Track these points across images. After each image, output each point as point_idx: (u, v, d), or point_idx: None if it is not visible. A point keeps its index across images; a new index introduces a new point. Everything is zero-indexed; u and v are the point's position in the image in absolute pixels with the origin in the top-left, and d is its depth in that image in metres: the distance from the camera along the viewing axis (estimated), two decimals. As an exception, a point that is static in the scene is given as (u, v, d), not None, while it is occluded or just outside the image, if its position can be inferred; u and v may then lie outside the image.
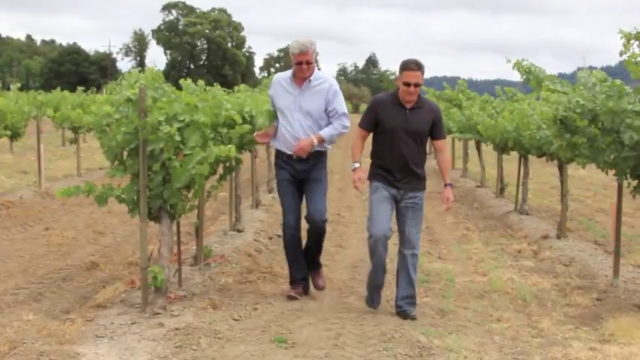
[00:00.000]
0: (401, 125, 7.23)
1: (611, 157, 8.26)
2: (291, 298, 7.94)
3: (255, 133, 8.24)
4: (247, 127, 8.20)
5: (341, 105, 7.91)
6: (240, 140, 8.31)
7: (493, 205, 16.42)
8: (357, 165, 7.45)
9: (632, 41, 7.81)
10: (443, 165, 7.61)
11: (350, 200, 17.00)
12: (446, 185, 7.47)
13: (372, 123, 7.41)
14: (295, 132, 7.80)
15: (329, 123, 7.88)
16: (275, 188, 10.99)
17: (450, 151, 25.38)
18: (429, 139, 7.67)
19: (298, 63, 7.66)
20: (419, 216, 7.51)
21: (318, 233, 8.04)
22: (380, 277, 7.63)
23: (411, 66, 7.17)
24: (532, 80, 9.86)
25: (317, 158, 7.91)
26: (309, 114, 7.79)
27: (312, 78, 7.80)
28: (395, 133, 7.24)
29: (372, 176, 7.43)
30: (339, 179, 20.43)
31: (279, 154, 8.03)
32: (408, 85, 7.14)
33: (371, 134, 7.62)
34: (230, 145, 7.22)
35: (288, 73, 7.99)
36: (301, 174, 7.89)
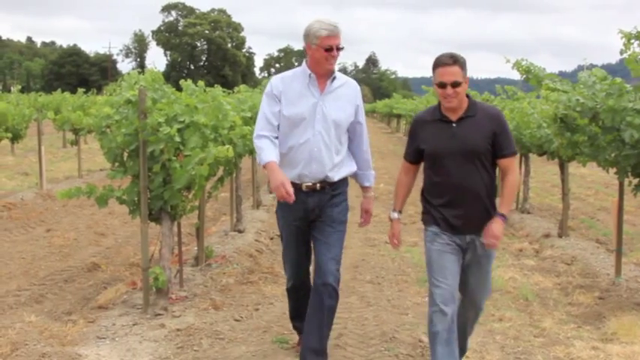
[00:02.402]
0: (447, 145, 5.22)
1: (612, 155, 8.26)
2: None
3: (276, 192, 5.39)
4: (247, 128, 8.20)
5: (365, 124, 5.95)
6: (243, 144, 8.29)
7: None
8: (395, 215, 5.62)
9: (632, 41, 7.82)
10: (506, 189, 5.34)
11: (350, 200, 16.95)
12: (497, 215, 5.25)
13: (417, 151, 5.44)
14: (314, 151, 5.56)
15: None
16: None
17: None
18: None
19: (328, 49, 5.46)
20: (488, 269, 5.52)
21: (327, 306, 5.67)
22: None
23: (443, 60, 5.17)
24: (532, 79, 9.85)
25: (337, 187, 5.75)
26: (336, 126, 5.63)
27: (335, 76, 5.69)
28: (443, 158, 5.25)
29: (426, 219, 5.47)
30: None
31: None
32: (443, 86, 5.16)
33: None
34: (227, 146, 7.21)
35: (299, 70, 5.71)
36: (313, 213, 5.68)
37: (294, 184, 5.42)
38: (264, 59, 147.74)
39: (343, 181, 5.79)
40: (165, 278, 7.16)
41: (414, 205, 14.18)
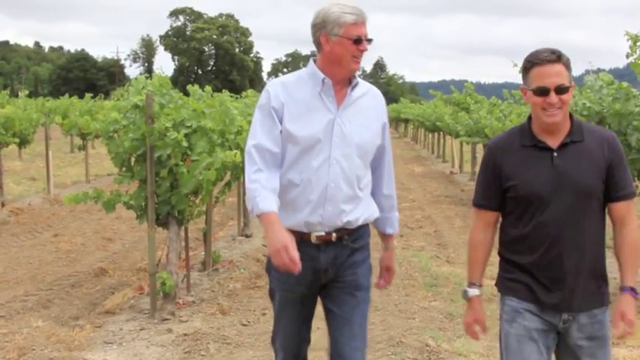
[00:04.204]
0: (547, 183, 3.64)
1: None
2: None
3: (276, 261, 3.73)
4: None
5: (390, 149, 4.29)
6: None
7: (501, 209, 16.37)
8: (474, 292, 3.95)
9: (638, 43, 7.81)
10: (627, 248, 3.74)
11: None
12: (623, 289, 3.72)
13: (498, 194, 3.77)
14: (331, 187, 3.88)
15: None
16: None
17: (459, 156, 25.37)
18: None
19: (356, 41, 3.83)
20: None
21: None
22: None
23: (544, 56, 3.64)
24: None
25: (359, 238, 4.09)
26: (360, 151, 3.95)
27: (357, 82, 4.02)
28: (539, 200, 3.64)
29: (505, 286, 3.89)
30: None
31: None
32: (544, 92, 3.58)
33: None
34: (235, 151, 7.21)
35: (306, 73, 3.99)
36: (326, 275, 4.02)
37: (299, 234, 3.84)
38: (272, 64, 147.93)
39: (365, 229, 4.12)
40: (172, 283, 7.17)
41: (431, 209, 14.15)
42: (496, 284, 3.96)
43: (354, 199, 3.96)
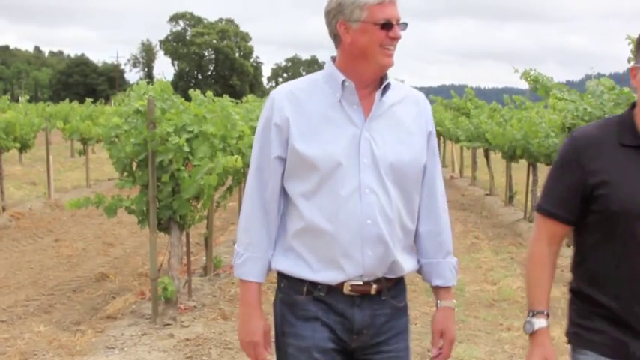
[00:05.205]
0: None
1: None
2: None
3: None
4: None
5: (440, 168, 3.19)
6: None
7: (502, 214, 16.38)
8: (541, 323, 2.87)
9: (640, 48, 7.82)
10: None
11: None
12: None
13: (575, 203, 2.82)
14: (367, 224, 2.86)
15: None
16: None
17: (460, 161, 25.40)
18: None
19: (386, 25, 2.82)
20: None
21: None
22: None
23: None
24: (540, 89, 9.87)
25: (401, 292, 3.13)
26: (398, 175, 2.92)
27: (389, 83, 2.98)
28: (638, 221, 2.66)
29: (579, 338, 2.85)
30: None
31: (295, 285, 2.97)
32: None
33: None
34: (236, 156, 7.23)
35: (321, 76, 3.01)
36: (359, 338, 2.98)
37: (326, 287, 2.90)
38: (272, 69, 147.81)
39: (403, 282, 3.14)
40: (173, 288, 7.17)
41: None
42: (566, 333, 2.93)
43: (400, 240, 2.95)
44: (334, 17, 2.87)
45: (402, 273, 3.01)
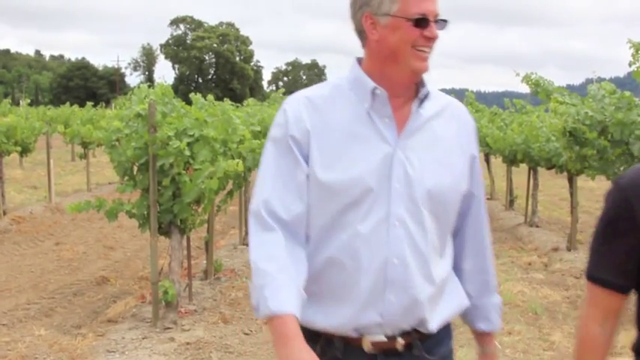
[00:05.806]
0: None
1: (621, 168, 8.28)
2: None
3: None
4: (256, 142, 8.23)
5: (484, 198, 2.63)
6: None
7: (503, 218, 16.38)
8: None
9: (641, 52, 7.83)
10: None
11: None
12: None
13: (634, 265, 2.24)
14: (394, 264, 2.27)
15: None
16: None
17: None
18: None
19: (420, 22, 2.23)
20: None
21: None
22: None
23: None
24: (541, 93, 9.88)
25: (439, 344, 2.45)
26: (437, 204, 2.34)
27: (428, 92, 2.38)
28: None
29: None
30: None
31: (308, 338, 2.13)
32: None
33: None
34: (237, 160, 7.22)
35: (346, 83, 2.39)
36: None
37: (342, 340, 2.35)
38: (272, 72, 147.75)
39: (447, 329, 2.53)
40: (174, 292, 7.17)
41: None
42: None
43: (433, 284, 2.35)
44: (359, 9, 2.33)
45: (434, 327, 2.38)
